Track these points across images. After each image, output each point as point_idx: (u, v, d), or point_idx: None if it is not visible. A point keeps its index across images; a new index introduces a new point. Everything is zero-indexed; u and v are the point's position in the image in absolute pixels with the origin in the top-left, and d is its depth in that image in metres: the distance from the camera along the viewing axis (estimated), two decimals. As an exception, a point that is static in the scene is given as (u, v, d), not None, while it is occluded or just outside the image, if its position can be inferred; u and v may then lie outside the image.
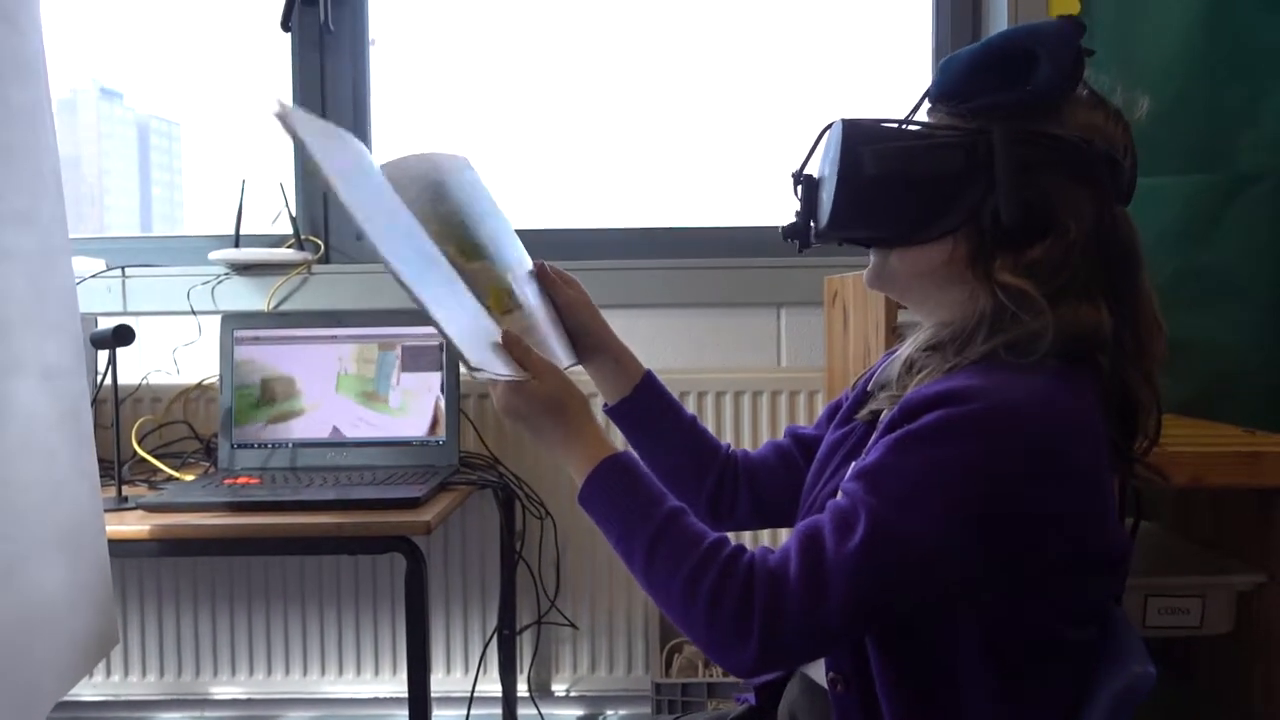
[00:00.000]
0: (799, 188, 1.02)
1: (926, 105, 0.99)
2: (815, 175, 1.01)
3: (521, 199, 2.23)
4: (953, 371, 0.90)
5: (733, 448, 1.28)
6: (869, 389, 1.09)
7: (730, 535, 0.93)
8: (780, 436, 2.05)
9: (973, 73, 0.94)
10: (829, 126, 0.99)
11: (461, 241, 1.06)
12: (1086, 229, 0.92)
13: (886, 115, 0.97)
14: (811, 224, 1.01)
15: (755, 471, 1.25)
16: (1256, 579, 1.58)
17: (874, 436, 0.97)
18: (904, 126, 0.95)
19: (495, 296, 1.06)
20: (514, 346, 1.00)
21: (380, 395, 1.94)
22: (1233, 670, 1.70)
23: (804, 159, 1.02)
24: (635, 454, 0.99)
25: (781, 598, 0.83)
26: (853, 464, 1.01)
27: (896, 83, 2.20)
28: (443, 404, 1.93)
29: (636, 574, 0.92)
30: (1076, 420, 0.88)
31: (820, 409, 2.08)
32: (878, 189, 0.93)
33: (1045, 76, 0.92)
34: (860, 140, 0.93)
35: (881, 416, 1.01)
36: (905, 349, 1.00)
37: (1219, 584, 1.58)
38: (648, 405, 1.22)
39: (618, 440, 1.13)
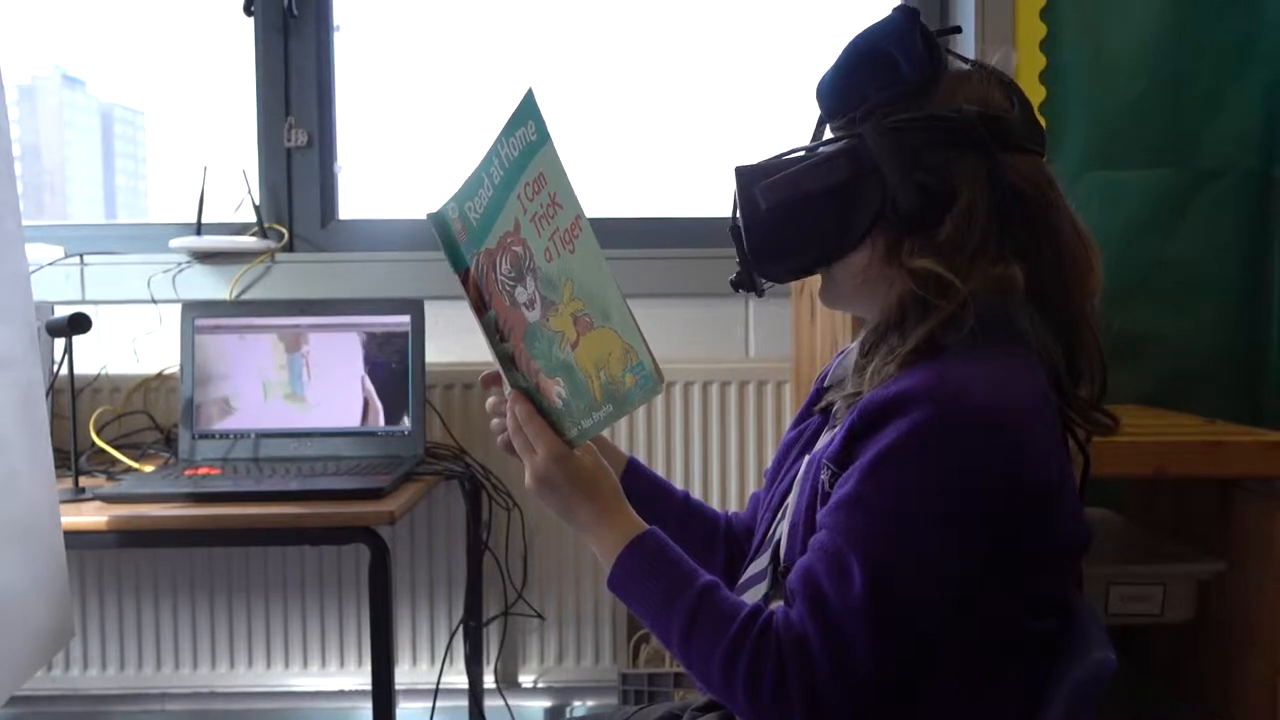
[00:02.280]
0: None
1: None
2: (735, 223, 1.02)
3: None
4: (903, 366, 0.90)
5: (728, 514, 1.24)
6: (825, 384, 1.10)
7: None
8: (748, 428, 2.08)
9: (841, 88, 0.97)
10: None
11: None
12: (982, 190, 0.92)
13: (783, 149, 1.00)
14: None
15: (747, 543, 1.20)
16: (1216, 567, 1.60)
17: (833, 433, 0.97)
18: (783, 155, 0.98)
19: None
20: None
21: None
22: (1192, 657, 1.72)
23: (731, 213, 1.03)
24: (661, 532, 0.96)
25: (810, 663, 0.83)
26: (806, 458, 1.01)
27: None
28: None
29: (675, 655, 0.91)
30: (1032, 401, 0.89)
31: (788, 399, 2.09)
32: (781, 220, 0.96)
33: (911, 71, 0.94)
34: (750, 181, 0.97)
35: (835, 409, 1.01)
36: (855, 346, 1.01)
37: (1180, 572, 1.60)
38: (638, 495, 1.14)
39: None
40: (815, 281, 1.54)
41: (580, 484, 0.95)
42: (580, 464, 0.96)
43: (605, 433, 1.02)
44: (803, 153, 0.98)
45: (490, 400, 1.07)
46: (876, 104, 0.94)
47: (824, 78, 0.99)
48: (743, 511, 1.24)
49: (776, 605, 0.89)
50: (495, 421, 1.06)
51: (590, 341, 0.91)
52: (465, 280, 1.03)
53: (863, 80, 0.95)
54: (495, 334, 1.01)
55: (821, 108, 1.00)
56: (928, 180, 0.91)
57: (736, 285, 1.05)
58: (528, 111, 0.90)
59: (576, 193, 0.88)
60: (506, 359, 1.00)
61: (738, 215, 1.00)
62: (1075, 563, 0.97)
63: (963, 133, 0.93)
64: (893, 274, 0.93)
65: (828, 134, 1.01)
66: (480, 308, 1.02)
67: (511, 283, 0.97)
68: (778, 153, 1.00)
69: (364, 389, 1.92)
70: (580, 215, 0.88)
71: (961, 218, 0.91)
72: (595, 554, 0.97)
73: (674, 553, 0.94)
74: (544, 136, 0.89)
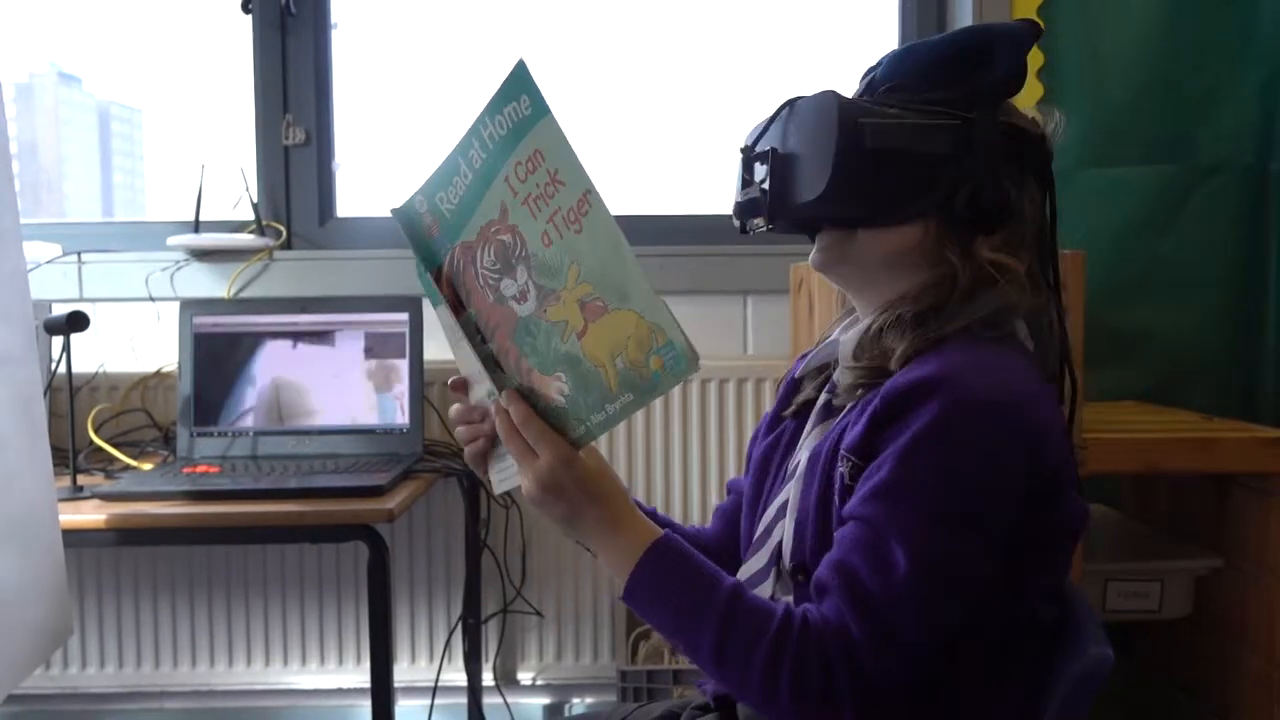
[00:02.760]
0: (757, 164, 0.99)
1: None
2: (780, 149, 0.98)
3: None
4: (920, 350, 0.91)
5: (698, 529, 1.21)
6: (797, 378, 1.09)
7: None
8: (746, 425, 2.08)
9: (936, 65, 0.95)
10: (790, 102, 0.99)
11: None
12: (1037, 214, 0.96)
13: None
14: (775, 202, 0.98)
15: (722, 558, 1.14)
16: (1213, 563, 1.60)
17: (831, 426, 0.97)
18: (860, 100, 0.96)
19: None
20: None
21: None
22: (1189, 653, 1.72)
23: (758, 133, 1.01)
24: (676, 536, 0.90)
25: (855, 655, 0.82)
26: (805, 454, 0.99)
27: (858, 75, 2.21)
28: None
29: (703, 666, 0.88)
30: (1043, 388, 0.92)
31: (786, 397, 2.09)
32: (872, 164, 0.92)
33: (1003, 72, 0.94)
34: (857, 114, 0.93)
35: (834, 399, 1.00)
36: (849, 333, 0.99)
37: (1177, 568, 1.61)
38: None
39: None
40: (812, 278, 1.53)
41: (588, 489, 0.88)
42: (587, 467, 0.88)
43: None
44: (903, 110, 0.94)
45: (455, 408, 0.98)
46: (972, 93, 0.93)
47: (919, 47, 0.97)
48: (708, 527, 1.22)
49: (798, 603, 0.88)
50: (462, 429, 0.97)
51: (603, 328, 0.82)
52: (438, 279, 0.95)
53: (958, 65, 0.94)
54: (476, 335, 0.93)
55: (897, 72, 0.97)
56: (1009, 186, 0.93)
57: (748, 210, 1.00)
58: (519, 85, 0.82)
59: (585, 167, 0.80)
60: (490, 361, 0.92)
61: (802, 142, 0.96)
62: (1075, 544, 0.97)
63: (1043, 162, 0.96)
64: (950, 262, 0.93)
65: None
66: (457, 308, 0.94)
67: (496, 276, 0.89)
68: (851, 96, 0.97)
69: (363, 387, 1.92)
70: (590, 190, 0.80)
71: (1018, 236, 0.94)
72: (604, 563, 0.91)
73: (694, 557, 0.90)
74: (541, 110, 0.81)
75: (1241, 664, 1.58)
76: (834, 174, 0.92)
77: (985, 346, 0.90)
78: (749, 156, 1.01)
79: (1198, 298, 2.01)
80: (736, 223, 1.03)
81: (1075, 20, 2.01)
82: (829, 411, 1.01)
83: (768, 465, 1.08)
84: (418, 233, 0.95)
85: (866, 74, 1.01)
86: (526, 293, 0.87)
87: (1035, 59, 2.01)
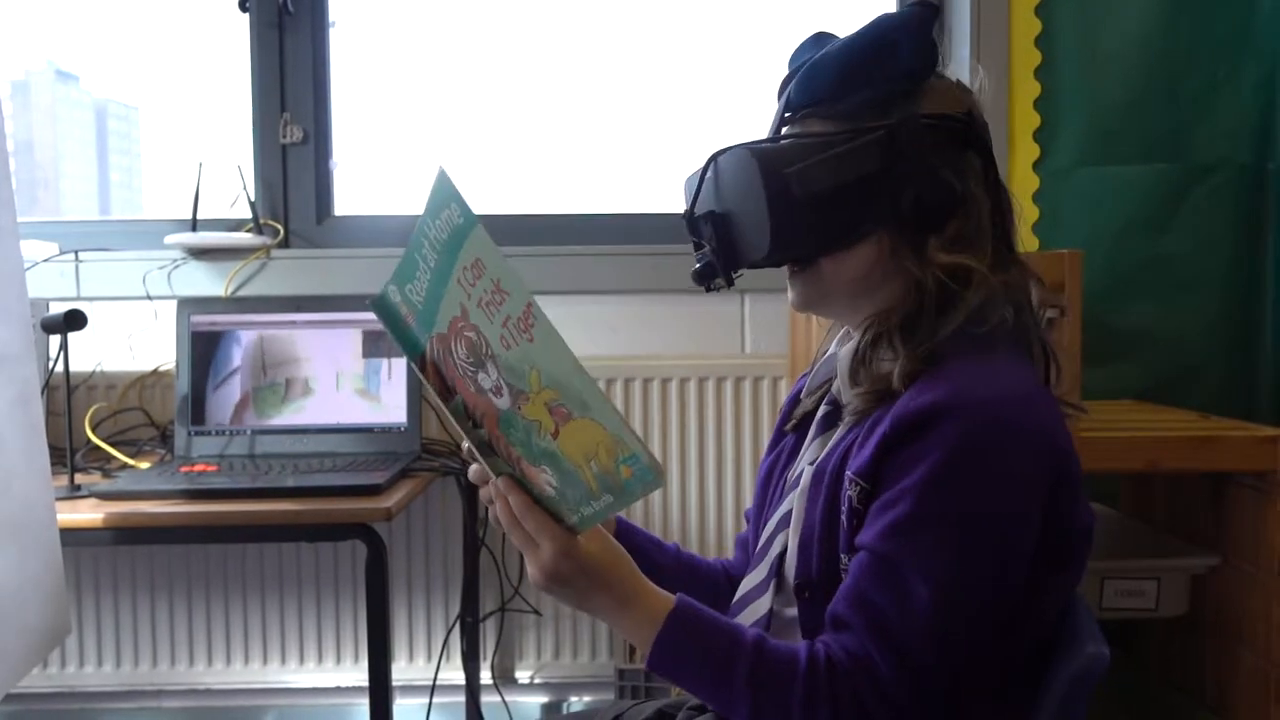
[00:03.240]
0: (702, 227, 0.99)
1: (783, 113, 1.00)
2: (717, 211, 0.98)
3: (485, 185, 2.21)
4: (924, 364, 0.90)
5: (724, 564, 1.19)
6: (800, 396, 1.09)
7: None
8: (744, 424, 2.08)
9: (846, 73, 0.94)
10: (714, 158, 0.99)
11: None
12: (985, 192, 0.95)
13: (755, 136, 0.98)
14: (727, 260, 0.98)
15: None
16: (1210, 561, 1.61)
17: (834, 440, 0.97)
18: (808, 140, 0.95)
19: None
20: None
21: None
22: (1186, 651, 1.73)
23: (693, 196, 1.00)
24: (688, 598, 0.90)
25: (886, 692, 0.84)
26: (808, 468, 1.00)
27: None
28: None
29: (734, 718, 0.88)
30: (1045, 394, 0.92)
31: (783, 395, 2.09)
32: (807, 207, 0.92)
33: (910, 62, 0.93)
34: (778, 165, 0.92)
35: (845, 415, 0.98)
36: (844, 346, 0.99)
37: (1174, 566, 1.61)
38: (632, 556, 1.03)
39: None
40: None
41: (595, 574, 0.88)
42: (590, 552, 0.88)
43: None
44: (821, 139, 0.94)
45: (474, 468, 0.95)
46: (888, 95, 0.93)
47: (824, 60, 0.95)
48: (732, 559, 1.22)
49: (818, 639, 0.89)
50: (484, 490, 0.95)
51: (573, 431, 0.81)
52: (423, 366, 0.92)
53: (866, 67, 0.93)
54: (466, 420, 0.90)
55: (810, 90, 0.96)
56: (951, 179, 0.92)
57: (705, 277, 1.00)
58: (445, 194, 0.81)
59: (521, 276, 0.79)
60: (484, 445, 0.90)
61: (733, 200, 0.96)
62: (1089, 549, 0.97)
63: (975, 138, 0.95)
64: (910, 270, 0.93)
65: (801, 121, 0.99)
66: (444, 394, 0.91)
67: (473, 369, 0.86)
68: (767, 138, 0.98)
69: (360, 385, 1.92)
70: (531, 302, 0.78)
71: (975, 219, 0.93)
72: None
73: (710, 619, 0.90)
74: (470, 220, 0.79)
75: (1238, 662, 1.59)
76: (774, 229, 0.92)
77: (982, 357, 0.90)
78: (691, 220, 1.01)
79: (1196, 296, 2.02)
80: (700, 287, 1.02)
81: (1073, 19, 2.02)
82: (829, 422, 1.01)
83: (769, 480, 1.09)
84: (396, 321, 0.93)
85: (781, 89, 1.01)
86: (501, 389, 0.85)
87: (1033, 58, 2.02)
